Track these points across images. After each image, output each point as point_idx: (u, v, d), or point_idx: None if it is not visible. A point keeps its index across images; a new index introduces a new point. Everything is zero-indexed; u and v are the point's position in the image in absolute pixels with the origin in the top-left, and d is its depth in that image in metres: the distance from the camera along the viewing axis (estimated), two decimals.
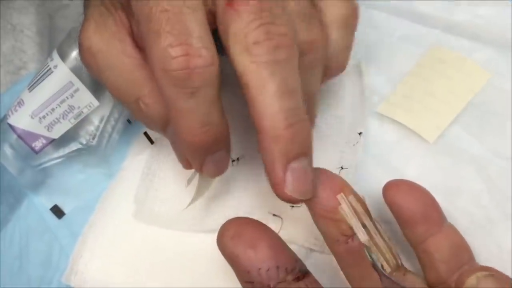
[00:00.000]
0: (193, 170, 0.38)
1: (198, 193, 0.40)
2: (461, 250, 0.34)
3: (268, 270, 0.31)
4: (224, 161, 0.36)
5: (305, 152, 0.31)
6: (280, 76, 0.30)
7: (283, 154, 0.30)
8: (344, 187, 0.33)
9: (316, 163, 0.34)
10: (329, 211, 0.32)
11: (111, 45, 0.35)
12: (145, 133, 0.46)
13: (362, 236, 0.33)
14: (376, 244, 0.33)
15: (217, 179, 0.40)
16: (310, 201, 0.33)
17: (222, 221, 0.41)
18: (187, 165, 0.37)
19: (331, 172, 0.34)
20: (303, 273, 0.32)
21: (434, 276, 0.34)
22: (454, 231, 0.35)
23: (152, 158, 0.45)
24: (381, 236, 0.34)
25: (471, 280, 0.31)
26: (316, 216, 0.33)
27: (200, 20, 0.30)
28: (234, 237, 0.32)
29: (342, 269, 0.34)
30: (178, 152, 0.37)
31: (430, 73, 0.44)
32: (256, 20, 0.29)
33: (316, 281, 0.33)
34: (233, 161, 0.43)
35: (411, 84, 0.44)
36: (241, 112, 0.45)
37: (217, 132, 0.33)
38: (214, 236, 0.41)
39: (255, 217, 0.33)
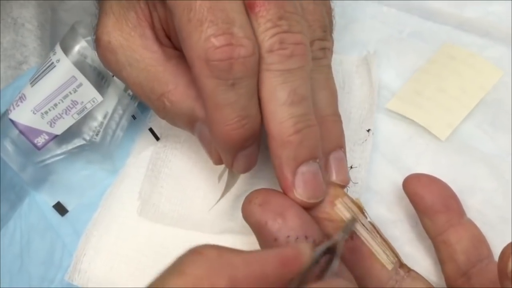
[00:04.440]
0: (223, 166, 0.38)
1: (226, 189, 0.39)
2: (481, 243, 0.35)
3: (297, 238, 0.31)
4: (255, 156, 0.35)
5: (314, 156, 0.32)
6: (291, 84, 0.31)
7: (291, 158, 0.31)
8: (337, 190, 0.34)
9: None
10: (324, 212, 0.33)
11: (133, 40, 0.35)
12: (151, 130, 0.46)
13: (363, 231, 0.33)
14: (375, 241, 0.33)
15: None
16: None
17: (228, 223, 0.41)
18: (217, 160, 0.36)
19: None
20: (330, 250, 0.32)
21: (453, 268, 0.34)
22: (474, 225, 0.35)
23: (157, 154, 0.45)
24: (379, 235, 0.34)
25: None
26: (314, 218, 0.33)
27: (240, 9, 0.30)
28: (262, 204, 0.32)
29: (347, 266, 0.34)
30: (209, 147, 0.36)
31: (441, 70, 0.44)
32: (272, 29, 0.30)
33: (341, 262, 0.33)
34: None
35: (422, 80, 0.44)
36: None
37: (254, 126, 0.32)
38: (220, 237, 0.41)
39: None
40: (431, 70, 0.45)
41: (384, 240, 0.34)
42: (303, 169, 0.32)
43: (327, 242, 0.30)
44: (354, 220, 0.33)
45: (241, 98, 0.31)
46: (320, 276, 0.28)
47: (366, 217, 0.34)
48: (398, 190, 0.40)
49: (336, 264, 0.29)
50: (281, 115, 0.31)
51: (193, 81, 0.33)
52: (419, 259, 0.38)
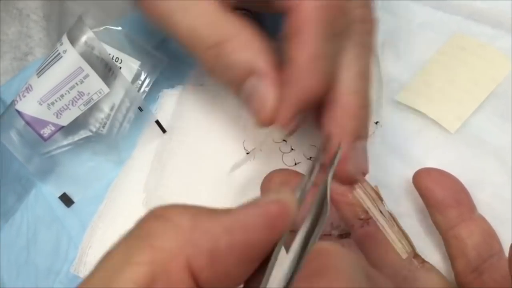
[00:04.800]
0: (232, 156, 0.38)
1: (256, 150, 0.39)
2: (492, 239, 0.34)
3: None
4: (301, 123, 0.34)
5: (366, 134, 0.33)
6: (367, 59, 0.33)
7: (354, 131, 0.32)
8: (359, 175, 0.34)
9: None
10: (343, 195, 0.33)
11: None
12: (157, 122, 0.46)
13: (380, 217, 0.33)
14: (391, 230, 0.33)
15: None
16: None
17: None
18: (267, 119, 0.33)
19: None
20: (346, 233, 0.32)
21: (463, 264, 0.34)
22: (485, 220, 0.35)
23: (163, 147, 0.45)
24: (396, 223, 0.34)
25: None
26: (332, 201, 0.33)
27: None
28: (283, 183, 0.32)
29: (362, 252, 0.34)
30: (261, 104, 0.33)
31: (451, 61, 0.44)
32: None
33: (355, 244, 0.33)
34: (248, 153, 0.43)
35: (432, 72, 0.44)
36: None
37: (328, 86, 0.32)
38: None
39: None
40: (441, 62, 0.44)
41: (400, 229, 0.34)
42: (358, 143, 0.33)
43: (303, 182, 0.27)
44: (372, 205, 0.33)
45: (335, 54, 0.32)
46: (312, 229, 0.25)
47: (384, 205, 0.34)
48: (406, 184, 0.39)
49: (327, 210, 0.26)
50: (356, 86, 0.32)
51: (257, 35, 0.33)
52: (428, 254, 0.37)
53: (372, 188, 0.34)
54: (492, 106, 0.42)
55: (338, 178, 0.32)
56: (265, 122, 0.34)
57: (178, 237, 0.21)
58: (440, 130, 0.42)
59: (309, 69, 0.31)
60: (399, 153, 0.42)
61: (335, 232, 0.32)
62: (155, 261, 0.20)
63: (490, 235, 0.35)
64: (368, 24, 0.35)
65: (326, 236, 0.31)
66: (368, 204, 0.34)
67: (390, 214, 0.34)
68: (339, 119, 0.32)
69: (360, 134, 0.33)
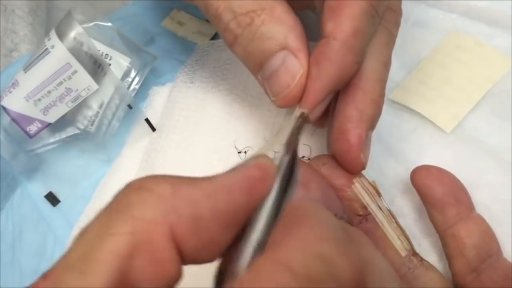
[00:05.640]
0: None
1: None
2: (491, 239, 0.34)
3: None
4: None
5: (375, 126, 0.34)
6: (391, 48, 0.34)
7: (371, 118, 0.33)
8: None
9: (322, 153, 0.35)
10: (341, 190, 0.33)
11: None
12: (147, 120, 0.45)
13: (379, 213, 0.33)
14: (390, 226, 0.33)
15: None
16: (323, 184, 0.33)
17: None
18: (292, 98, 0.33)
19: None
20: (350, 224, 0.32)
21: (462, 264, 0.34)
22: (483, 220, 0.35)
23: (153, 145, 0.45)
24: (395, 220, 0.34)
25: None
26: (336, 190, 0.33)
27: None
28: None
29: None
30: (291, 79, 0.32)
31: (447, 60, 0.44)
32: None
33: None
34: (239, 152, 0.43)
35: (427, 70, 0.44)
36: (250, 102, 0.44)
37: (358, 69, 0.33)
38: None
39: None
40: (436, 60, 0.44)
41: (399, 226, 0.34)
42: (370, 133, 0.34)
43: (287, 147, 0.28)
44: (371, 200, 0.33)
45: (371, 36, 0.32)
46: (284, 190, 0.25)
47: (383, 201, 0.34)
48: (400, 183, 0.39)
49: (298, 172, 0.26)
50: (380, 73, 0.33)
51: (290, 10, 0.33)
52: (423, 255, 0.37)
53: (370, 184, 0.34)
54: (489, 106, 0.42)
55: (347, 164, 0.33)
56: (291, 100, 0.33)
57: (159, 206, 0.21)
58: (436, 129, 0.42)
59: (349, 44, 0.30)
60: (393, 152, 0.42)
61: None
62: (137, 231, 0.20)
63: (489, 235, 0.34)
64: (398, 13, 0.36)
65: None
66: (367, 199, 0.33)
67: (389, 210, 0.34)
68: (360, 104, 0.32)
69: (375, 123, 0.34)
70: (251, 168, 0.23)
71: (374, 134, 0.42)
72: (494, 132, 0.41)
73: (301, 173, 0.31)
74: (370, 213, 0.33)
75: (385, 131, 0.43)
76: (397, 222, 0.34)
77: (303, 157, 0.41)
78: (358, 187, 0.33)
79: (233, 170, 0.22)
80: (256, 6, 0.32)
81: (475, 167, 0.40)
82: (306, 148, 0.42)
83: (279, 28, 0.32)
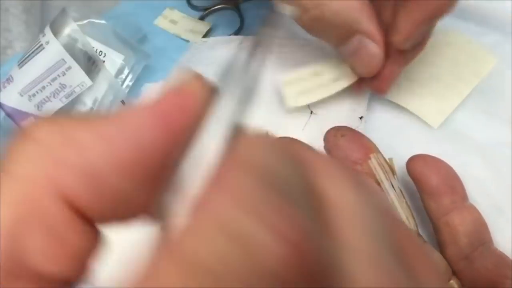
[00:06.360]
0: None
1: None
2: (483, 228, 0.35)
3: None
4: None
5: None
6: None
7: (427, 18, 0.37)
8: (372, 146, 0.35)
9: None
10: (357, 163, 0.33)
11: None
12: None
13: (391, 191, 0.33)
14: (400, 204, 0.33)
15: None
16: (339, 155, 0.34)
17: None
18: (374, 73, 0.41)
19: (360, 132, 0.36)
20: None
21: (454, 251, 0.35)
22: (476, 209, 0.36)
23: None
24: (405, 200, 0.34)
25: None
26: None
27: None
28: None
29: None
30: (371, 60, 0.40)
31: (435, 57, 0.45)
32: None
33: None
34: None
35: (415, 67, 0.45)
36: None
37: None
38: None
39: None
40: (425, 57, 0.45)
41: (408, 207, 0.34)
42: None
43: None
44: (385, 177, 0.34)
45: None
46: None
47: (396, 179, 0.34)
48: None
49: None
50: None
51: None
52: None
53: (386, 161, 0.35)
54: (475, 102, 0.43)
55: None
56: (372, 73, 0.40)
57: (42, 159, 0.16)
58: (423, 125, 0.43)
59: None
60: (381, 147, 0.43)
61: None
62: (18, 198, 0.16)
63: (481, 224, 0.35)
64: None
65: None
66: (381, 176, 0.34)
67: (400, 190, 0.35)
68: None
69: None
70: (166, 99, 0.17)
71: (362, 130, 0.43)
72: (480, 128, 0.42)
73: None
74: (382, 190, 0.34)
75: (374, 127, 0.44)
76: (406, 202, 0.35)
77: None
78: (374, 163, 0.34)
79: (144, 103, 0.17)
80: None
81: (461, 162, 0.41)
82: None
83: (349, 15, 0.37)
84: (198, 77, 0.17)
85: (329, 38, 0.39)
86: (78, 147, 0.16)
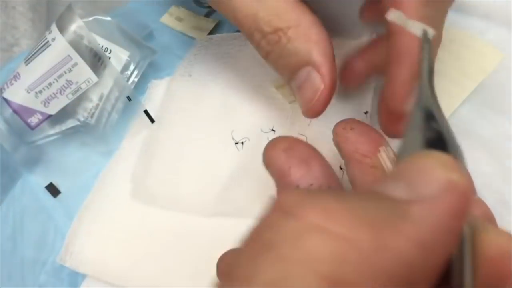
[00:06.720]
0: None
1: None
2: (492, 221, 0.35)
3: (320, 187, 0.31)
4: None
5: None
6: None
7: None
8: (382, 139, 0.35)
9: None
10: (367, 156, 0.33)
11: None
12: (146, 111, 0.46)
13: None
14: None
15: None
16: (348, 148, 0.34)
17: (221, 206, 0.42)
18: (318, 112, 0.37)
19: (370, 125, 0.36)
20: None
21: None
22: (484, 203, 0.36)
23: (151, 137, 0.46)
24: None
25: None
26: (353, 162, 0.34)
27: None
28: (287, 149, 0.32)
29: None
30: (313, 94, 0.36)
31: (440, 53, 0.45)
32: None
33: None
34: (236, 143, 0.44)
35: None
36: (247, 94, 0.46)
37: None
38: (213, 220, 0.42)
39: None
40: None
41: None
42: None
43: None
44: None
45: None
46: None
47: None
48: None
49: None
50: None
51: (315, 24, 0.35)
52: None
53: (395, 154, 0.35)
54: (481, 97, 0.43)
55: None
56: (315, 113, 0.36)
57: (355, 262, 0.16)
58: None
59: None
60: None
61: None
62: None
63: (489, 218, 0.35)
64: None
65: None
66: (390, 169, 0.34)
67: None
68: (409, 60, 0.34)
69: None
70: (447, 194, 0.17)
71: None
72: (486, 123, 0.42)
73: (302, 151, 0.32)
74: None
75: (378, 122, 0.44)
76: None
77: None
78: (383, 156, 0.34)
79: (423, 199, 0.17)
80: (282, 23, 0.35)
81: (467, 157, 0.41)
82: (302, 138, 0.43)
83: (304, 45, 0.34)
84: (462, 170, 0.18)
85: (283, 67, 0.37)
86: (395, 254, 0.16)
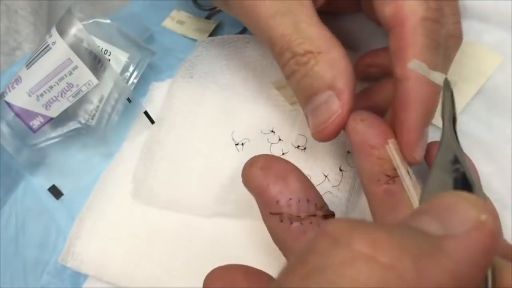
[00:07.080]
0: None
1: None
2: (495, 219, 0.35)
3: (299, 201, 0.32)
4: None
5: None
6: (446, 70, 0.38)
7: (427, 117, 0.35)
8: (392, 131, 0.35)
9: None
10: (375, 148, 0.34)
11: None
12: (146, 113, 0.47)
13: (407, 177, 0.34)
14: (416, 194, 0.34)
15: None
16: (357, 139, 0.35)
17: (221, 206, 0.42)
18: (330, 136, 0.37)
19: (380, 118, 0.36)
20: (331, 214, 0.33)
21: None
22: (491, 202, 0.36)
23: (152, 137, 0.46)
24: (420, 187, 0.35)
25: None
26: (362, 153, 0.35)
27: None
28: (264, 167, 0.33)
29: (374, 212, 0.35)
30: (327, 119, 0.36)
31: None
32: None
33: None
34: (236, 144, 0.44)
35: None
36: (248, 96, 0.46)
37: None
38: (213, 220, 0.42)
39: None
40: None
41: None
42: (426, 130, 0.36)
43: None
44: (402, 163, 0.34)
45: (441, 61, 0.36)
46: None
47: (412, 168, 0.35)
48: None
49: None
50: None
51: (344, 56, 0.36)
52: None
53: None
54: (478, 101, 0.44)
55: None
56: (325, 136, 0.36)
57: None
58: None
59: (422, 79, 0.34)
60: None
61: (320, 213, 0.33)
62: None
63: (493, 216, 0.36)
64: (458, 39, 0.39)
65: (311, 216, 0.32)
66: (398, 162, 0.34)
67: (417, 179, 0.35)
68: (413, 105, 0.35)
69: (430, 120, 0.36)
70: (476, 233, 0.20)
71: None
72: (483, 125, 0.43)
73: (279, 168, 0.33)
74: (397, 176, 0.34)
75: None
76: (422, 190, 0.35)
77: (298, 146, 0.43)
78: (391, 148, 0.34)
79: (453, 235, 0.20)
80: (314, 48, 0.36)
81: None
82: (302, 138, 0.43)
83: (330, 70, 0.35)
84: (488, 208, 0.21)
85: (305, 87, 0.37)
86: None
